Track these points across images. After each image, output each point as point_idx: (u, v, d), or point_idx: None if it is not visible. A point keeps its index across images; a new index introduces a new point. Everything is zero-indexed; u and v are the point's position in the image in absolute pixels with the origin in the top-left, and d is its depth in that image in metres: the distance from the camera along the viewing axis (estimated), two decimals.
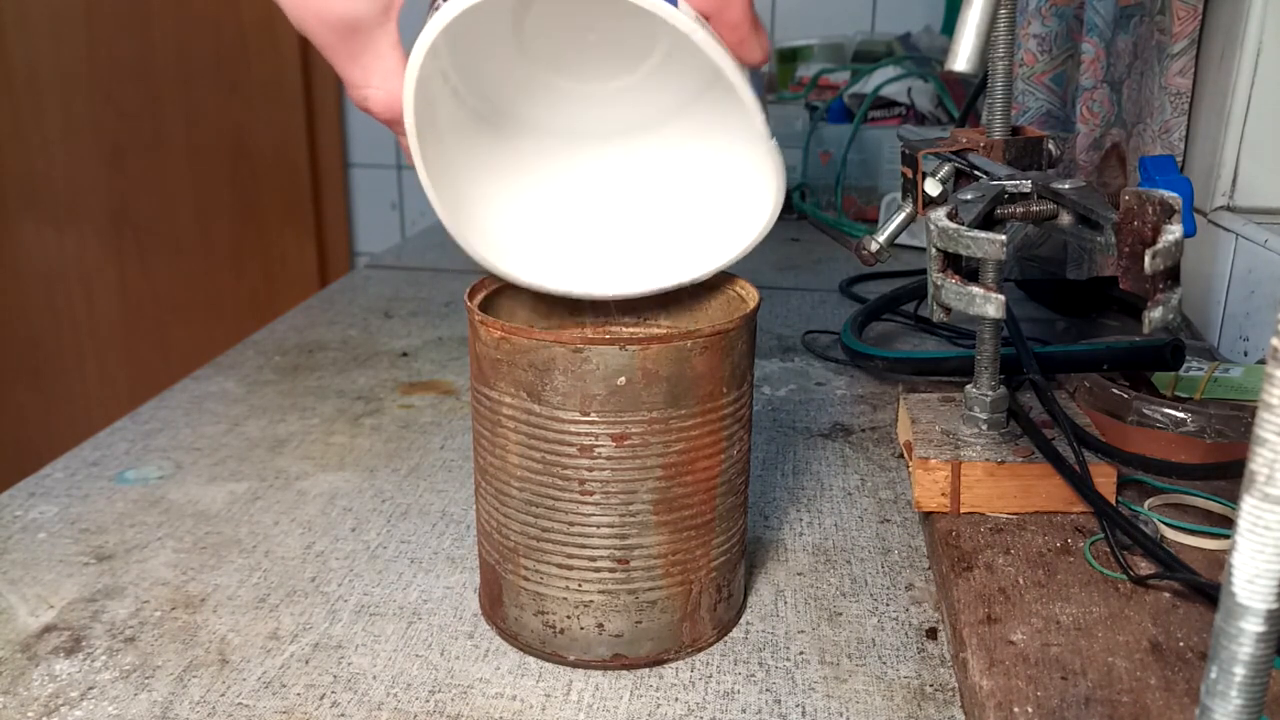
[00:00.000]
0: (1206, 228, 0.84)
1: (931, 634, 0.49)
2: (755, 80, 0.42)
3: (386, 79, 0.40)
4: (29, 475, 0.63)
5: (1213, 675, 0.26)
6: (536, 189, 0.48)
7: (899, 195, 0.59)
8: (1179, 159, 0.83)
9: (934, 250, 0.47)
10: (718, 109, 0.44)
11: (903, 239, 0.59)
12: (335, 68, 0.41)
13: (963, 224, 0.46)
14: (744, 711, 0.44)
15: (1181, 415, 0.60)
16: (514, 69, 0.46)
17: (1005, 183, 0.50)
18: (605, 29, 0.45)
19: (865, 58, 1.39)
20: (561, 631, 0.46)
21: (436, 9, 0.39)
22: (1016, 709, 0.40)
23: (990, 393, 0.57)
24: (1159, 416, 0.60)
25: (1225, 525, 0.53)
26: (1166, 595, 0.48)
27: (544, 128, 0.48)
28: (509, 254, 0.46)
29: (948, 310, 0.47)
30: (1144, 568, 0.49)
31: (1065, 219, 0.49)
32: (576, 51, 0.46)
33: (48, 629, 0.49)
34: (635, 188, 0.49)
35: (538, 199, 0.48)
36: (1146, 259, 0.42)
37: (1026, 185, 0.50)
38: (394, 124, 0.42)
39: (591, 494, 0.43)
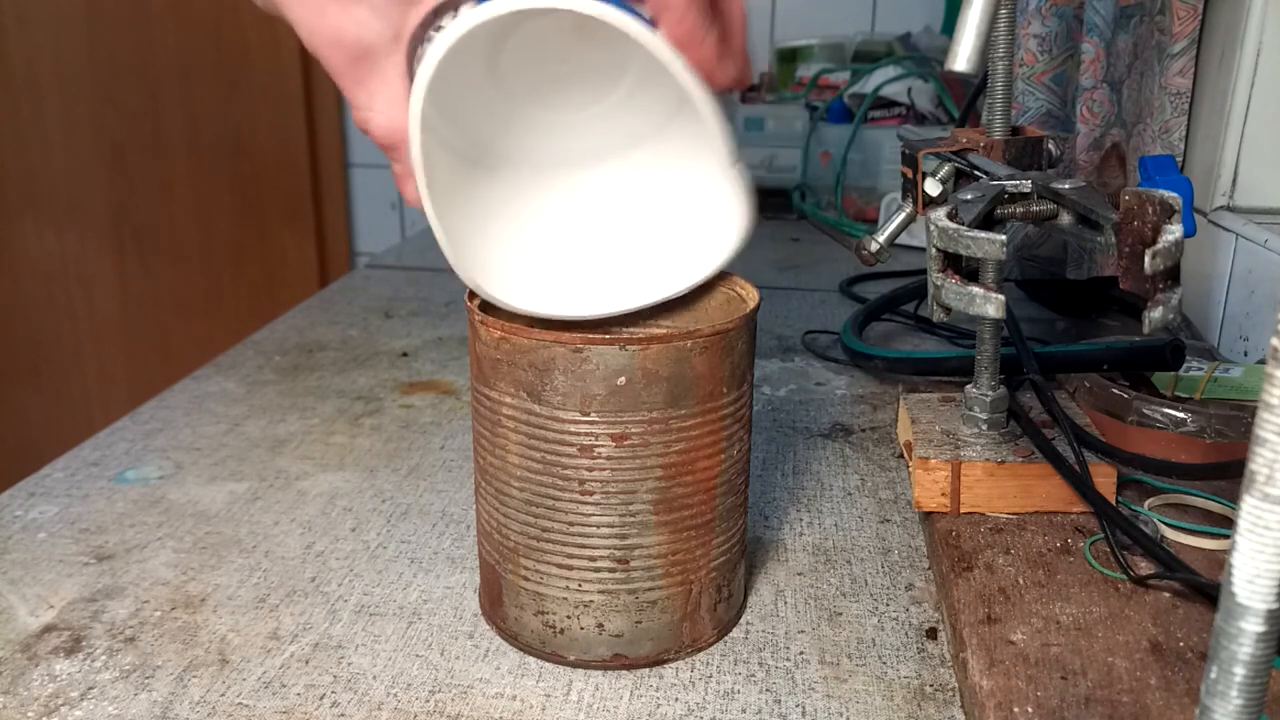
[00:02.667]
0: (1206, 228, 0.84)
1: (931, 634, 0.49)
2: (727, 103, 0.43)
3: (390, 105, 0.41)
4: (29, 475, 0.63)
5: (1213, 675, 0.26)
6: (523, 218, 0.49)
7: (899, 195, 0.59)
8: (1179, 159, 0.83)
9: (934, 250, 0.47)
10: (688, 132, 0.45)
11: (903, 239, 0.59)
12: (341, 89, 0.42)
13: (963, 224, 0.46)
14: (744, 711, 0.44)
15: (1181, 415, 0.60)
16: (491, 104, 0.46)
17: (1005, 183, 0.50)
18: (578, 59, 0.45)
19: (865, 58, 1.40)
20: (561, 631, 0.46)
21: (424, 50, 0.39)
22: (1016, 709, 0.40)
23: (990, 393, 0.57)
24: (1159, 416, 0.60)
25: (1225, 525, 0.53)
26: (1166, 595, 0.48)
27: (524, 158, 0.48)
28: (503, 284, 0.47)
29: (948, 310, 0.47)
30: (1144, 568, 0.49)
31: (1065, 219, 0.49)
32: (551, 82, 0.46)
33: (48, 629, 0.49)
34: (615, 209, 0.50)
35: (525, 228, 0.49)
36: (1146, 259, 0.42)
37: (1026, 185, 0.50)
38: (391, 150, 0.42)
39: (591, 494, 0.43)
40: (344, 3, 0.39)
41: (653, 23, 0.40)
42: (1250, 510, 0.24)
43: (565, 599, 0.45)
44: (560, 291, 0.48)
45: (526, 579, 0.46)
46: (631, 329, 0.52)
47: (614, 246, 0.50)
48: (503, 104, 0.46)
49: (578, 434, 0.43)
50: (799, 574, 0.54)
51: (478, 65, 0.44)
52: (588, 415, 0.42)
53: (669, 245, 0.49)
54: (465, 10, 0.38)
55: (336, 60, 0.40)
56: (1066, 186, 0.48)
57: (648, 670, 0.46)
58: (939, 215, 0.47)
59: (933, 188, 0.54)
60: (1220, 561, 0.50)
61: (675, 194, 0.48)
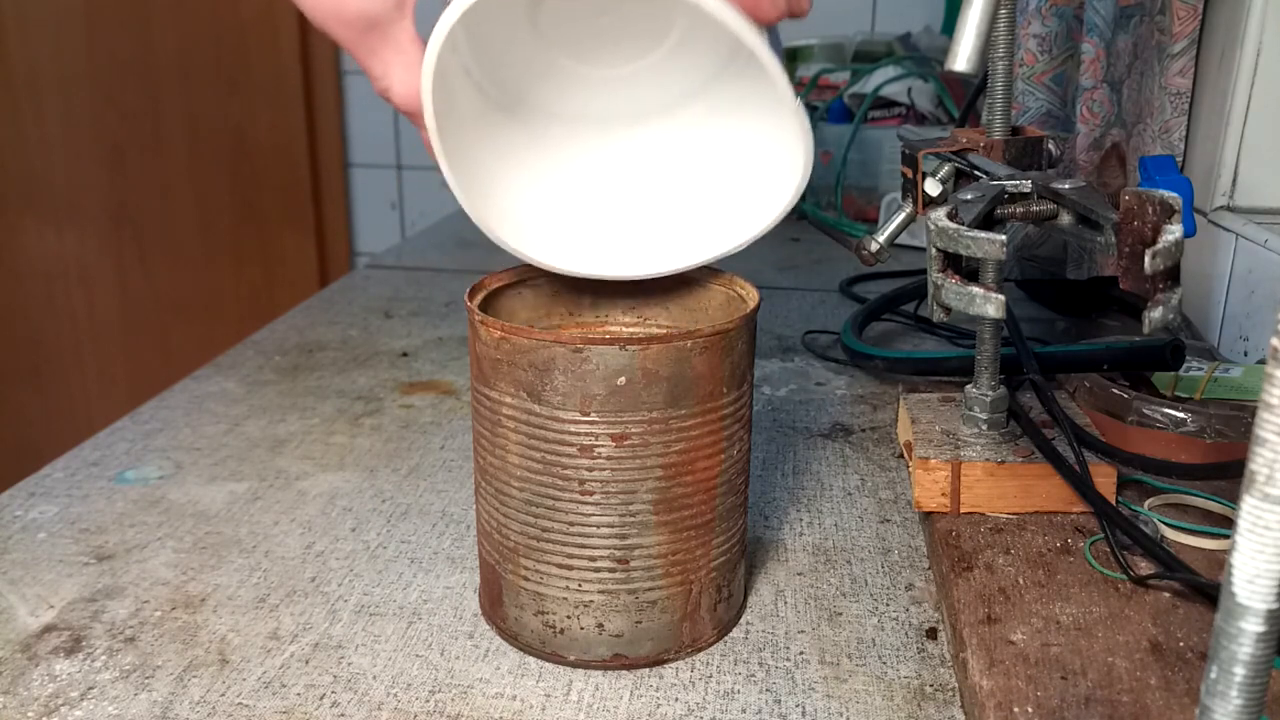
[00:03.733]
0: (1206, 228, 0.84)
1: (931, 634, 0.49)
2: (775, 42, 0.41)
3: (406, 72, 0.41)
4: (29, 475, 0.63)
5: (1213, 675, 0.26)
6: (559, 173, 0.48)
7: (899, 195, 0.59)
8: (1179, 159, 0.83)
9: (934, 250, 0.47)
10: (738, 83, 0.43)
11: (903, 239, 0.59)
12: (356, 62, 0.41)
13: (963, 224, 0.46)
14: (744, 711, 0.44)
15: (1181, 415, 0.60)
16: (531, 56, 0.46)
17: (1005, 183, 0.50)
18: (621, 13, 0.44)
19: (865, 58, 1.39)
20: (561, 631, 0.46)
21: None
22: (1016, 709, 0.40)
23: (990, 393, 0.57)
24: (1159, 416, 0.60)
25: (1225, 525, 0.53)
26: (1166, 595, 0.48)
27: (564, 113, 0.48)
28: (532, 238, 0.46)
29: (948, 310, 0.47)
30: (1144, 568, 0.49)
31: (1065, 219, 0.49)
32: (593, 36, 0.45)
33: (48, 629, 0.49)
34: (659, 168, 0.49)
35: (561, 183, 0.48)
36: (1146, 259, 0.42)
37: (1026, 185, 0.50)
38: (415, 115, 0.42)
39: (591, 494, 0.43)
40: None
41: None
42: (1250, 510, 0.24)
43: (565, 599, 0.45)
44: (597, 251, 0.47)
45: (526, 579, 0.46)
46: (632, 329, 0.52)
47: (660, 206, 0.48)
48: (542, 55, 0.46)
49: (578, 434, 0.43)
50: (799, 574, 0.54)
51: (518, 11, 0.44)
52: (588, 415, 0.42)
53: (723, 201, 0.47)
54: None
55: (344, 35, 0.40)
56: (1066, 186, 0.48)
57: (648, 670, 0.46)
58: (939, 215, 0.47)
59: (933, 188, 0.54)
60: (1220, 561, 0.50)
61: (728, 147, 0.47)
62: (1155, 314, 0.43)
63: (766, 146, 0.45)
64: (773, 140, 0.44)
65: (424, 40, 0.40)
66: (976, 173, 0.53)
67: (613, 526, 0.44)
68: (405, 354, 0.85)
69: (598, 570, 0.45)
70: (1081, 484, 0.53)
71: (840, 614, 0.50)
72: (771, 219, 0.46)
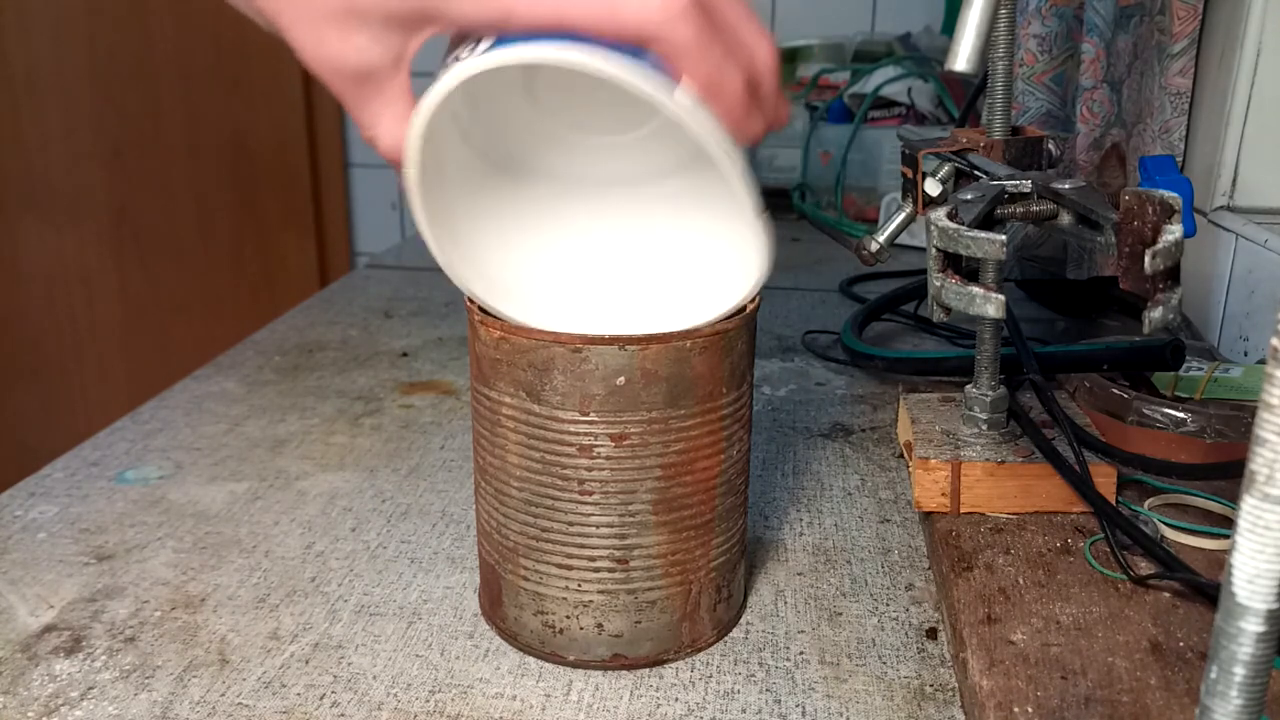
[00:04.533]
0: (1206, 228, 0.84)
1: (931, 634, 0.49)
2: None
3: (394, 124, 0.41)
4: (29, 475, 0.63)
5: (1213, 675, 0.26)
6: (540, 232, 0.48)
7: (899, 195, 0.59)
8: (1179, 159, 0.83)
9: (934, 250, 0.47)
10: (716, 172, 0.43)
11: (903, 239, 0.59)
12: (346, 109, 0.42)
13: (963, 224, 0.46)
14: (744, 711, 0.44)
15: (1181, 415, 0.60)
16: (524, 117, 0.46)
17: (1005, 183, 0.50)
18: (614, 87, 0.44)
19: (865, 58, 1.39)
20: (561, 631, 0.46)
21: (454, 62, 0.39)
22: (1016, 709, 0.40)
23: (990, 393, 0.57)
24: (1159, 416, 0.60)
25: (1225, 525, 0.53)
26: (1166, 595, 0.48)
27: (552, 174, 0.48)
28: (506, 294, 0.46)
29: (948, 310, 0.47)
30: (1144, 568, 0.49)
31: (1065, 219, 0.49)
32: (586, 105, 0.46)
33: (48, 629, 0.49)
34: (637, 235, 0.49)
35: (540, 241, 0.48)
36: (1146, 259, 0.42)
37: (1026, 185, 0.50)
38: (398, 164, 0.42)
39: (591, 494, 0.43)
40: (343, 30, 0.39)
41: (673, 73, 0.37)
42: (1250, 510, 0.24)
43: (565, 599, 0.45)
44: (558, 307, 0.47)
45: (526, 579, 0.46)
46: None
47: (634, 273, 0.48)
48: (535, 117, 0.46)
49: (577, 434, 0.43)
50: (799, 574, 0.54)
51: (513, 80, 0.44)
52: (587, 415, 0.42)
53: (684, 279, 0.47)
54: (480, 49, 0.38)
55: (339, 84, 0.41)
56: (1066, 186, 0.48)
57: (648, 670, 0.46)
58: (939, 215, 0.47)
59: (933, 188, 0.54)
60: (1220, 561, 0.50)
61: (697, 230, 0.47)
62: (1155, 314, 0.43)
63: (733, 236, 0.44)
64: (739, 232, 0.43)
65: (415, 95, 0.40)
66: (976, 173, 0.53)
67: (612, 526, 0.44)
68: (405, 354, 0.85)
69: (597, 570, 0.45)
70: (1081, 484, 0.53)
71: (840, 614, 0.50)
72: (723, 310, 0.45)
